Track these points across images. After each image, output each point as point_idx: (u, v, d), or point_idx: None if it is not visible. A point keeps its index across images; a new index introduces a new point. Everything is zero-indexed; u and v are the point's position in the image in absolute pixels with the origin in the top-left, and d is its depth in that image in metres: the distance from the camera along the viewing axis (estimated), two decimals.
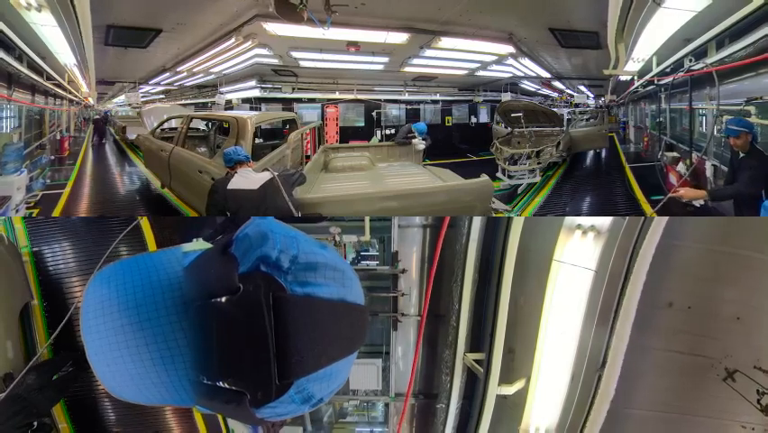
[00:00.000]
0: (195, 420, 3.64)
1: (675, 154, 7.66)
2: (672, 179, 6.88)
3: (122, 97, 12.98)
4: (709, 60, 5.60)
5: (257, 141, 7.49)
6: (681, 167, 6.88)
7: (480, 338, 3.38)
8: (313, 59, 10.19)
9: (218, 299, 0.66)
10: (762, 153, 3.77)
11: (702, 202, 3.89)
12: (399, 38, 8.81)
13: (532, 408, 3.15)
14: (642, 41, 6.38)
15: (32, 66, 7.92)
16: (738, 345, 3.11)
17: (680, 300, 3.11)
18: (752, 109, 4.95)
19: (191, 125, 6.41)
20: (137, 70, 10.92)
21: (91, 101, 12.78)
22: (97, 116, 13.89)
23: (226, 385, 0.66)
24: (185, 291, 0.69)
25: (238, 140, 4.66)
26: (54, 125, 11.02)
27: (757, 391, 3.07)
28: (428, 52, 9.62)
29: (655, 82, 7.84)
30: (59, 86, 9.55)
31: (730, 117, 4.40)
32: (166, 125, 7.28)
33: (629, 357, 3.13)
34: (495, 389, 3.10)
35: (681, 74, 6.57)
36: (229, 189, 3.54)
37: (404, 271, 3.65)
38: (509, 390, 3.12)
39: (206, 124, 7.71)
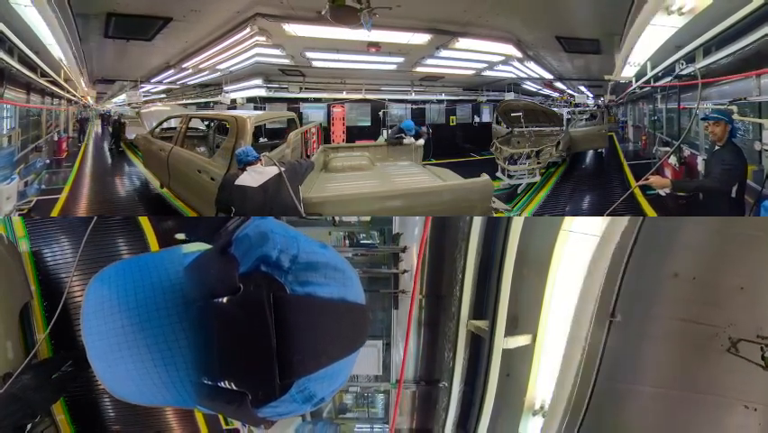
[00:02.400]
0: (196, 420, 3.65)
1: (668, 149, 8.17)
2: (667, 172, 7.23)
3: (122, 97, 12.76)
4: (699, 65, 6.09)
5: (261, 140, 7.52)
6: (672, 160, 7.28)
7: (484, 311, 3.33)
8: (327, 60, 10.15)
9: (219, 300, 0.66)
10: (736, 149, 3.95)
11: (668, 191, 4.14)
12: (421, 39, 8.89)
13: (536, 382, 3.15)
14: (637, 47, 6.99)
15: (26, 62, 7.24)
16: (742, 314, 3.17)
17: (685, 271, 3.17)
18: (734, 108, 5.30)
19: (190, 125, 6.41)
20: (139, 68, 10.38)
21: (90, 100, 12.57)
22: (81, 116, 13.59)
23: (227, 385, 0.66)
24: (185, 292, 0.69)
25: (237, 139, 4.66)
26: (52, 126, 10.68)
27: (761, 348, 3.10)
28: (443, 53, 9.75)
29: (651, 83, 8.31)
30: (55, 83, 8.96)
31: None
32: (165, 125, 7.27)
33: (633, 329, 3.19)
34: (501, 342, 3.04)
35: (669, 81, 7.30)
36: (235, 185, 3.69)
37: (405, 249, 3.66)
38: (515, 342, 3.09)
39: (207, 124, 7.70)
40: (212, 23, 8.01)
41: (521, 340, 3.09)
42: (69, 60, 8.20)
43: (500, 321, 3.02)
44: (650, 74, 7.73)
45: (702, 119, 4.59)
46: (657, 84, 8.15)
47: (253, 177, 3.67)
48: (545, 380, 3.16)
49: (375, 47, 8.97)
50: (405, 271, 3.67)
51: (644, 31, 6.04)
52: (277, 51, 9.50)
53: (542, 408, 3.19)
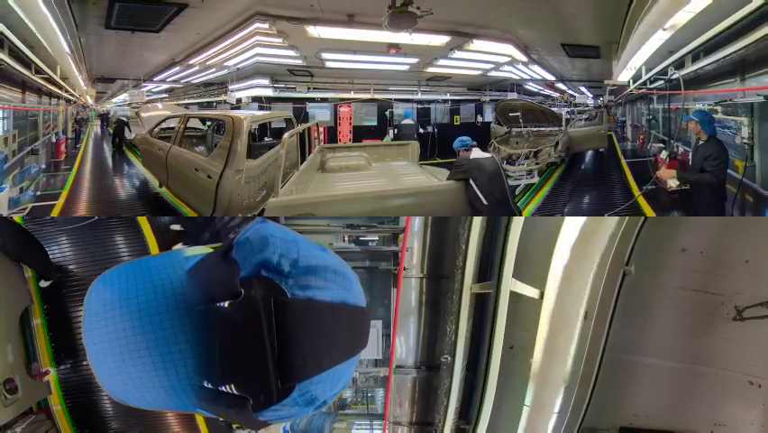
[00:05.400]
0: (197, 422, 3.65)
1: (661, 145, 8.89)
2: (661, 167, 7.43)
3: (122, 96, 12.48)
4: (688, 70, 6.79)
5: (266, 139, 7.50)
6: (663, 154, 7.91)
7: (488, 279, 3.33)
8: (342, 60, 10.17)
9: (220, 304, 0.66)
10: (719, 142, 4.54)
11: (677, 183, 4.72)
12: (440, 40, 8.99)
13: (541, 353, 3.15)
14: (633, 54, 7.72)
15: (18, 56, 6.47)
16: (747, 285, 3.26)
17: (692, 246, 3.31)
18: (718, 108, 6.09)
19: (188, 125, 6.41)
20: (142, 64, 9.77)
21: (89, 100, 12.36)
22: (78, 116, 13.36)
23: (229, 389, 0.67)
24: (187, 296, 0.69)
25: (234, 138, 4.67)
26: (50, 127, 10.33)
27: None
28: (456, 54, 9.91)
29: (647, 85, 8.74)
30: (51, 81, 8.33)
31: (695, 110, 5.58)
32: (164, 125, 7.26)
33: (641, 299, 3.27)
34: (508, 286, 3.00)
35: (652, 88, 8.36)
36: (472, 159, 4.33)
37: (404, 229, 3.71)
38: (523, 289, 3.07)
39: (208, 124, 7.69)
40: (230, 13, 7.26)
41: (528, 290, 3.08)
42: (65, 55, 7.50)
43: (507, 276, 3.00)
44: (645, 77, 8.24)
45: (686, 119, 5.13)
46: (651, 89, 8.71)
47: (481, 153, 4.43)
48: (550, 352, 3.16)
49: (395, 48, 9.02)
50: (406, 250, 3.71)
51: (637, 41, 6.79)
52: (291, 52, 9.38)
53: (548, 378, 3.18)
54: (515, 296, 3.06)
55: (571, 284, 3.08)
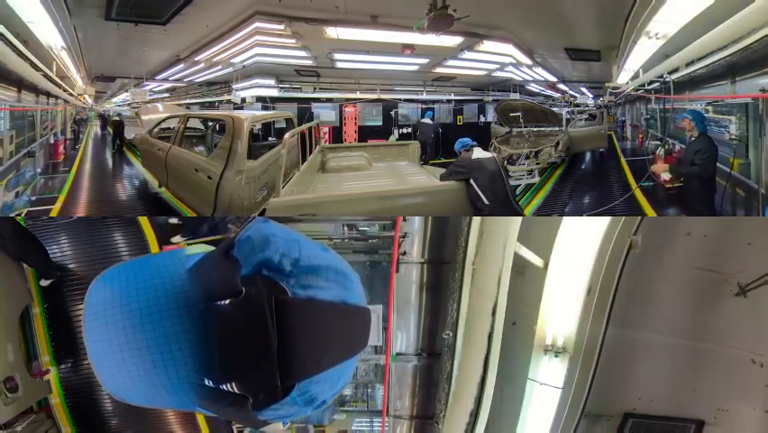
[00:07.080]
0: (197, 421, 3.65)
1: (658, 143, 9.28)
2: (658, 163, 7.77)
3: (122, 96, 12.27)
4: (680, 74, 7.19)
5: (270, 139, 7.51)
6: (660, 151, 8.26)
7: None
8: (354, 60, 10.21)
9: (221, 303, 0.66)
10: (709, 138, 4.85)
11: (669, 176, 5.05)
12: (453, 41, 9.06)
13: (544, 330, 3.15)
14: (632, 55, 8.28)
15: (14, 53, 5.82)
16: (750, 264, 3.38)
17: (697, 231, 3.43)
18: (710, 108, 6.55)
19: (188, 125, 6.41)
20: (144, 62, 9.33)
21: (88, 99, 12.20)
22: (77, 117, 13.16)
23: (229, 388, 0.67)
24: (188, 294, 0.69)
25: (234, 139, 4.67)
26: (48, 128, 10.05)
27: None
28: (465, 54, 10.00)
29: (645, 86, 9.10)
30: (47, 78, 7.92)
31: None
32: (164, 125, 7.25)
33: (648, 277, 3.35)
34: (511, 255, 2.92)
35: (642, 91, 9.02)
36: (473, 159, 4.43)
37: (405, 218, 3.71)
38: (527, 254, 3.06)
39: (211, 126, 7.67)
40: (239, 5, 6.80)
41: (532, 257, 3.08)
42: (61, 51, 6.97)
43: (510, 246, 2.93)
44: (642, 78, 8.72)
45: (679, 117, 5.48)
46: (648, 90, 9.07)
47: (482, 153, 4.55)
48: (553, 328, 3.17)
49: (410, 49, 9.06)
50: (405, 235, 3.71)
51: (634, 47, 7.40)
52: (301, 53, 9.30)
53: (553, 346, 3.18)
54: (517, 272, 3.03)
55: (576, 260, 3.10)
